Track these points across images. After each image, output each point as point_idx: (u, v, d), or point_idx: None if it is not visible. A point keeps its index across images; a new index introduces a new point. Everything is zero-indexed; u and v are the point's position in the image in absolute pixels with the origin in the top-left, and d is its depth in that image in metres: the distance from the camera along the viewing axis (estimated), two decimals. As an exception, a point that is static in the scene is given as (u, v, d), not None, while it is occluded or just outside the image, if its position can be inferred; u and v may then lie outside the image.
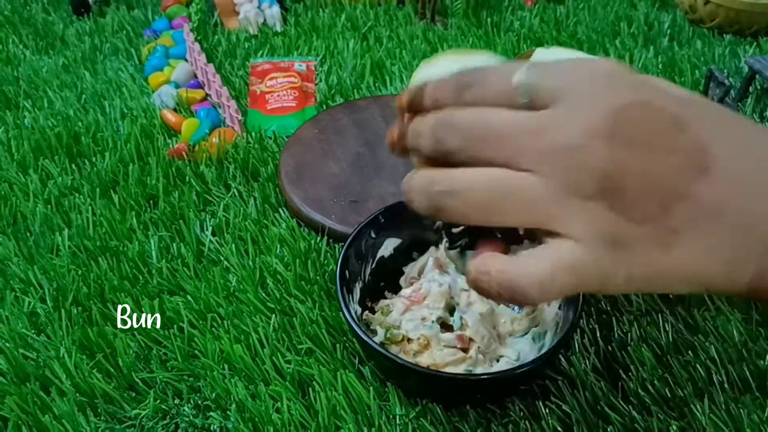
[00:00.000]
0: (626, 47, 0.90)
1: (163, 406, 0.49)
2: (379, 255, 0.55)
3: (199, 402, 0.49)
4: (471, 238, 0.56)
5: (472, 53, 0.56)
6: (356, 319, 0.47)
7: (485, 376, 0.46)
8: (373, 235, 0.54)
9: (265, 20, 0.96)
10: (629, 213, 0.37)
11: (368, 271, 0.54)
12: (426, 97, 0.43)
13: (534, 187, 0.37)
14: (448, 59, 0.59)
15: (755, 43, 0.91)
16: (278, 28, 0.95)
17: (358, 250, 0.53)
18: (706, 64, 0.85)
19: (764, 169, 0.39)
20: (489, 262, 0.39)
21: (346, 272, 0.51)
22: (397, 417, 0.48)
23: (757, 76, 0.78)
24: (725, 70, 0.80)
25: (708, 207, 0.38)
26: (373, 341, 0.45)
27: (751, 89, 0.79)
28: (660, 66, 0.85)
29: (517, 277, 0.38)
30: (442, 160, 0.40)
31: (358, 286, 0.53)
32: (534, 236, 0.47)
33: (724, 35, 0.93)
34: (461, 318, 0.52)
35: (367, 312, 0.53)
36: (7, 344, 0.53)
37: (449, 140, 0.40)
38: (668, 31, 0.93)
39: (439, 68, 0.57)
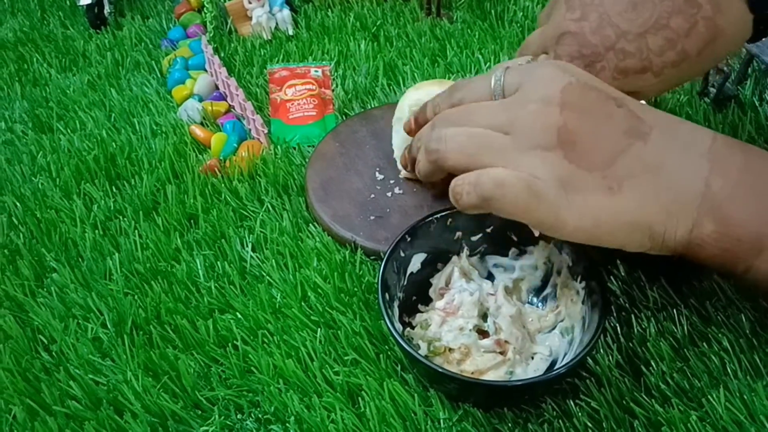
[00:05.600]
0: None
1: (228, 422, 0.53)
2: (408, 271, 0.58)
3: (260, 416, 0.54)
4: (489, 244, 0.60)
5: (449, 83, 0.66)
6: (402, 335, 0.52)
7: (520, 383, 0.51)
8: (402, 254, 0.57)
9: (277, 24, 0.98)
10: (580, 162, 0.47)
11: (401, 287, 0.58)
12: (428, 109, 0.58)
13: (505, 141, 0.49)
14: (431, 86, 0.67)
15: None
16: (290, 32, 0.98)
17: (392, 269, 0.56)
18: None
19: (690, 144, 0.49)
20: (465, 176, 0.50)
21: (386, 294, 0.54)
22: (441, 421, 0.52)
23: (754, 60, 0.81)
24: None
25: (647, 162, 0.48)
26: (419, 354, 0.50)
27: (749, 71, 0.82)
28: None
29: (480, 177, 0.48)
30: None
31: (396, 304, 0.56)
32: (547, 238, 0.57)
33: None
34: (494, 323, 0.56)
35: (408, 329, 0.57)
36: (77, 371, 0.57)
37: (442, 127, 0.53)
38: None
39: (422, 93, 0.67)
